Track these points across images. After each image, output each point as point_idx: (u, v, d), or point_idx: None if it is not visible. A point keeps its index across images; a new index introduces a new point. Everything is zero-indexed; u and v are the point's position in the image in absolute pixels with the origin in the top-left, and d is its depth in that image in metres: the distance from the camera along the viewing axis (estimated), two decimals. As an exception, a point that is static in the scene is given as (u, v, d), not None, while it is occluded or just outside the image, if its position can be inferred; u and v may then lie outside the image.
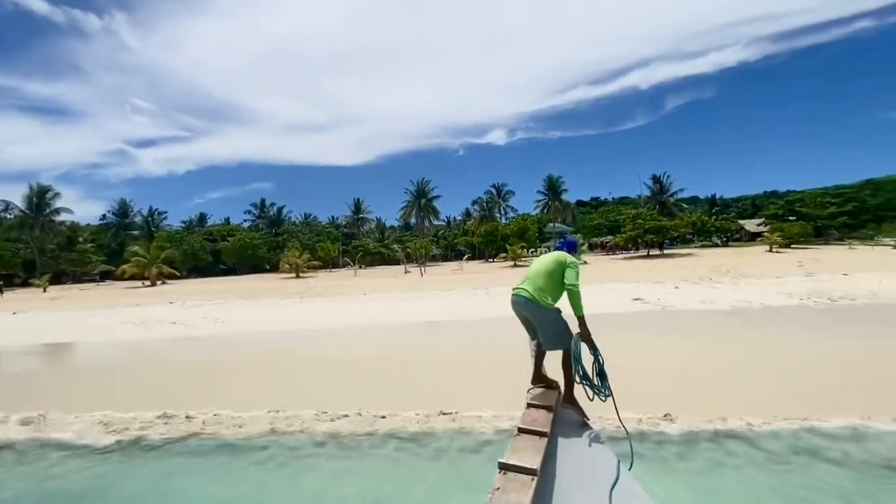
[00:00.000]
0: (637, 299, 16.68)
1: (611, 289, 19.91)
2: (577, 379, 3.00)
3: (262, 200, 70.39)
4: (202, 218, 78.34)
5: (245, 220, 72.08)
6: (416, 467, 4.91)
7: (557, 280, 3.10)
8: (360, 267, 52.51)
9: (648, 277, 23.24)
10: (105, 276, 52.64)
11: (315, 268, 45.89)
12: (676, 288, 18.90)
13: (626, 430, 3.18)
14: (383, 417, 6.04)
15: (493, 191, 67.60)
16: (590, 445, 2.70)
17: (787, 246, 42.19)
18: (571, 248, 3.36)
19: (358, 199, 66.66)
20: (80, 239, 53.58)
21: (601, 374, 3.00)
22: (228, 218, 78.81)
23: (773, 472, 4.44)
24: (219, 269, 58.22)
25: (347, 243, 59.17)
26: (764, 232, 46.76)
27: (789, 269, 22.43)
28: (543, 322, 3.08)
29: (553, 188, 62.39)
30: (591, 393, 2.98)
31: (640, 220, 43.28)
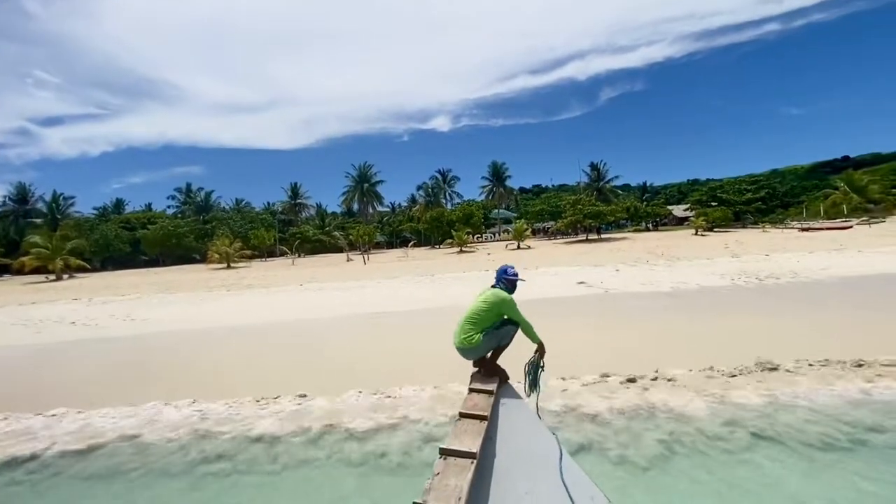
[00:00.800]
0: (581, 283, 16.64)
1: (555, 273, 19.86)
2: (527, 386, 3.42)
3: (188, 185, 64.79)
4: (119, 204, 70.85)
5: (169, 207, 66.11)
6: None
7: (489, 316, 3.40)
8: (299, 255, 49.84)
9: (589, 261, 23.59)
10: (3, 271, 46.03)
11: (248, 257, 42.91)
12: (617, 271, 19.17)
13: (538, 415, 3.25)
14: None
15: (439, 176, 66.83)
16: (529, 427, 2.76)
17: (711, 229, 45.28)
18: (510, 283, 3.66)
19: (295, 184, 63.05)
20: (-34, 228, 46.33)
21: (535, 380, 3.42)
22: (150, 204, 71.98)
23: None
24: (140, 260, 52.90)
25: (285, 231, 55.94)
26: (690, 217, 49.77)
27: (717, 251, 23.64)
28: (478, 353, 3.41)
29: (497, 174, 62.70)
30: (528, 392, 3.36)
31: (579, 206, 44.43)
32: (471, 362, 3.50)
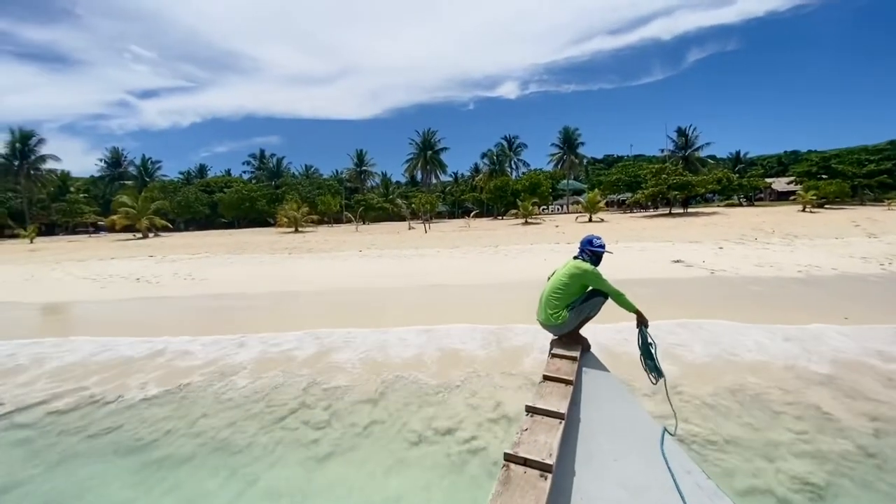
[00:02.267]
0: (678, 261, 14.02)
1: (641, 248, 17.22)
2: (644, 362, 3.14)
3: (262, 151, 66.93)
4: (202, 169, 75.30)
5: (244, 172, 69.05)
6: None
7: (572, 290, 3.19)
8: (363, 222, 49.98)
9: (680, 236, 20.45)
10: (99, 228, 50.69)
11: (315, 222, 43.41)
12: (720, 248, 16.16)
13: (672, 407, 3.18)
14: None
15: (504, 143, 63.46)
16: (616, 397, 2.68)
17: (821, 206, 38.74)
18: (591, 245, 3.34)
19: (361, 151, 62.65)
20: (72, 189, 51.14)
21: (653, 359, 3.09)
22: (229, 170, 75.83)
23: None
24: (219, 222, 55.97)
25: (350, 198, 56.28)
26: (797, 191, 43.00)
27: (845, 230, 19.48)
28: (565, 329, 3.20)
29: (569, 140, 58.20)
30: (651, 375, 3.09)
31: (664, 176, 39.77)
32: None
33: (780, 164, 75.39)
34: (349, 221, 47.04)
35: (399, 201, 53.14)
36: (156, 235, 39.51)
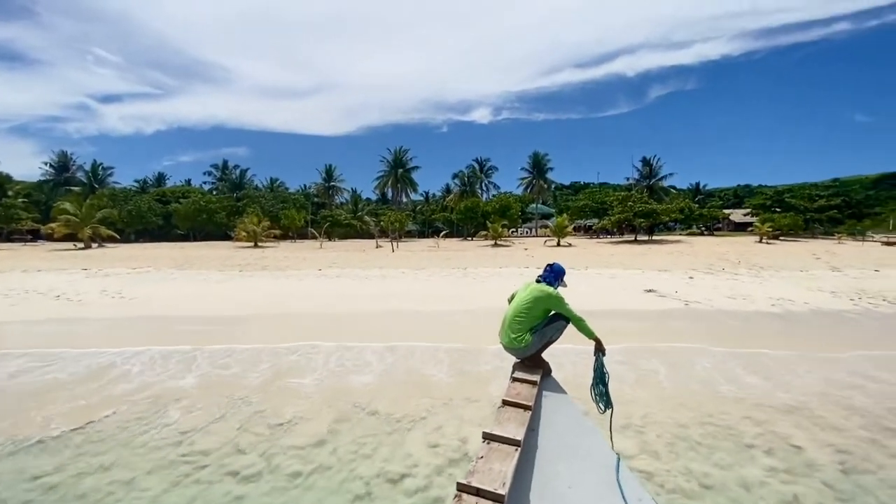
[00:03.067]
0: (650, 291, 13.46)
1: (611, 276, 16.69)
2: (594, 394, 3.17)
3: (225, 162, 64.15)
4: (160, 178, 71.47)
5: (205, 183, 65.93)
6: None
7: (535, 313, 3.22)
8: (329, 239, 48.31)
9: (649, 264, 20.18)
10: (38, 236, 46.64)
11: (277, 238, 41.39)
12: (691, 278, 15.80)
13: (611, 444, 2.77)
14: None
15: (476, 165, 63.56)
16: (573, 422, 2.67)
17: (776, 238, 40.25)
18: (558, 275, 3.47)
19: (330, 166, 60.96)
20: (10, 193, 47.06)
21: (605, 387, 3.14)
22: (189, 180, 72.37)
23: None
24: (175, 234, 52.73)
25: (317, 213, 54.44)
26: (754, 222, 44.64)
27: (807, 262, 19.71)
28: (528, 352, 3.24)
29: (538, 166, 58.83)
30: (599, 405, 3.12)
31: (630, 203, 40.38)
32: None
33: (736, 197, 79.16)
34: (315, 237, 45.25)
35: (367, 218, 51.81)
36: (100, 246, 36.50)
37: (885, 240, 35.55)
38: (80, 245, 35.53)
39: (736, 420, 5.09)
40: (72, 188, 52.01)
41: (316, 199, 61.83)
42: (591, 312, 10.35)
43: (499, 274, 17.67)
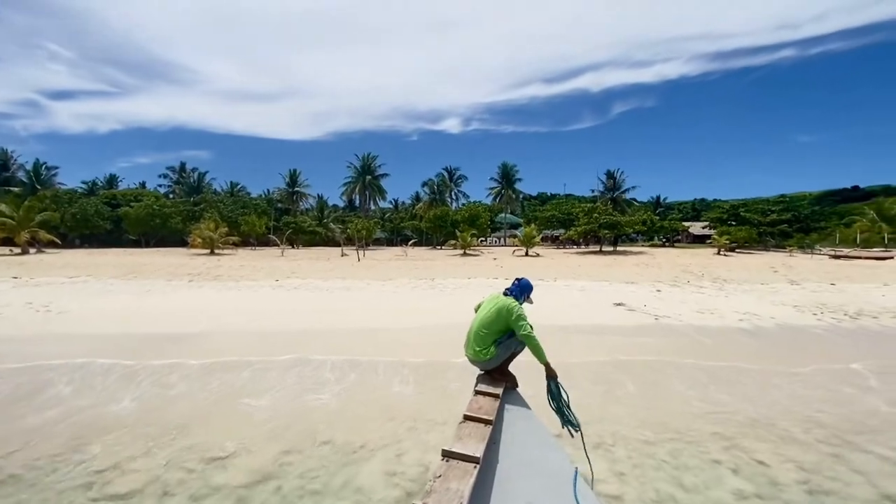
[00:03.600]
0: (620, 304, 13.20)
1: (581, 288, 16.43)
2: (567, 426, 3.08)
3: (182, 164, 60.94)
4: (111, 180, 67.22)
5: (160, 186, 62.54)
6: None
7: (499, 327, 3.19)
8: (293, 246, 46.61)
9: (617, 276, 20.14)
10: (-33, 240, 42.55)
11: (236, 245, 39.38)
12: (658, 291, 15.73)
13: (588, 459, 2.98)
14: None
15: (445, 174, 63.24)
16: (535, 437, 2.65)
17: (732, 250, 41.76)
18: (524, 290, 3.45)
19: (294, 171, 59.03)
20: (-64, 192, 42.86)
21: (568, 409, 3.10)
22: (144, 182, 68.49)
23: None
24: (126, 239, 49.39)
25: (280, 219, 52.46)
26: (712, 235, 46.25)
27: (766, 276, 20.19)
28: (493, 364, 3.22)
29: (507, 176, 59.16)
30: (569, 429, 3.07)
31: (595, 215, 40.96)
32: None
33: (694, 210, 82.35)
34: (277, 245, 43.48)
35: (333, 226, 50.30)
36: (39, 251, 33.56)
37: (832, 253, 37.38)
38: (17, 250, 32.55)
39: (705, 437, 5.05)
40: (10, 189, 47.96)
41: (279, 205, 59.68)
42: (564, 328, 10.07)
43: (467, 286, 17.09)
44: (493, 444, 2.43)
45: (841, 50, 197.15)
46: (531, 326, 3.13)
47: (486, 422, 2.49)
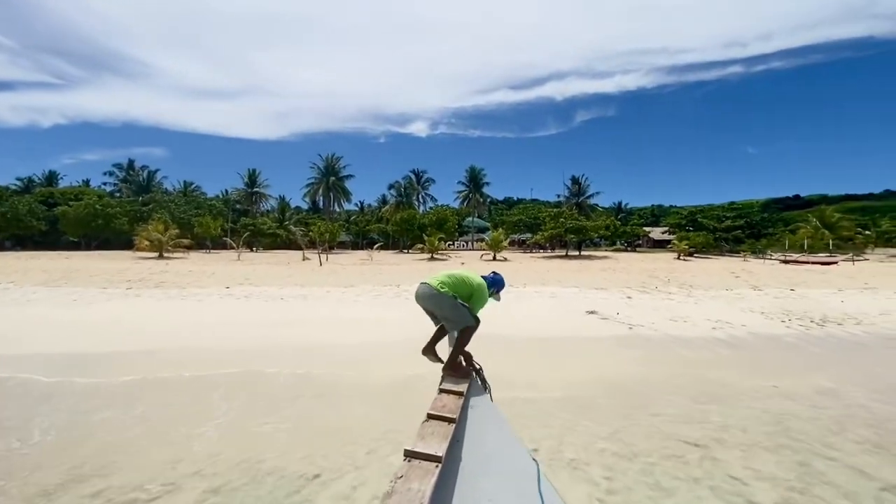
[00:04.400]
0: (592, 312, 12.74)
1: (551, 294, 15.96)
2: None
3: (131, 161, 57.14)
4: (51, 177, 62.04)
5: (106, 184, 58.30)
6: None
7: (465, 290, 3.17)
8: (251, 250, 44.46)
9: (585, 282, 19.87)
10: None
11: (187, 248, 36.95)
12: (629, 298, 15.45)
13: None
14: None
15: (413, 176, 62.39)
16: (497, 433, 2.67)
17: (690, 255, 43.03)
18: (496, 285, 3.50)
19: (253, 171, 56.43)
20: None
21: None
22: (88, 180, 63.65)
23: None
24: (65, 241, 45.40)
25: (238, 221, 49.93)
26: (672, 240, 47.62)
27: (728, 281, 20.47)
28: (444, 306, 3.14)
29: (475, 180, 58.95)
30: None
31: (561, 220, 41.22)
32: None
33: (653, 216, 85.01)
34: (233, 248, 41.25)
35: (294, 228, 48.31)
36: (-44, 254, 30.13)
37: (783, 258, 39.09)
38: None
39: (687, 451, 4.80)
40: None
41: (238, 206, 56.90)
42: (542, 339, 9.41)
43: (434, 292, 16.26)
44: (456, 441, 2.41)
45: (783, 68, 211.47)
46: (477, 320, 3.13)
47: (450, 420, 2.45)
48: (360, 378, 6.95)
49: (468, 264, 30.60)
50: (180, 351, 8.37)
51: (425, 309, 3.30)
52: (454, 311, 3.10)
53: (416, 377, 6.44)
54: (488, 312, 3.47)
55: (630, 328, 11.00)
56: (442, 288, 3.11)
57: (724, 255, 46.41)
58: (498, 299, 3.53)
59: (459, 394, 2.84)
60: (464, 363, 3.18)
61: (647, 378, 7.29)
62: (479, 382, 3.20)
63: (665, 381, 7.13)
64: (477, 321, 3.15)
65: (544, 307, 13.50)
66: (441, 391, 2.92)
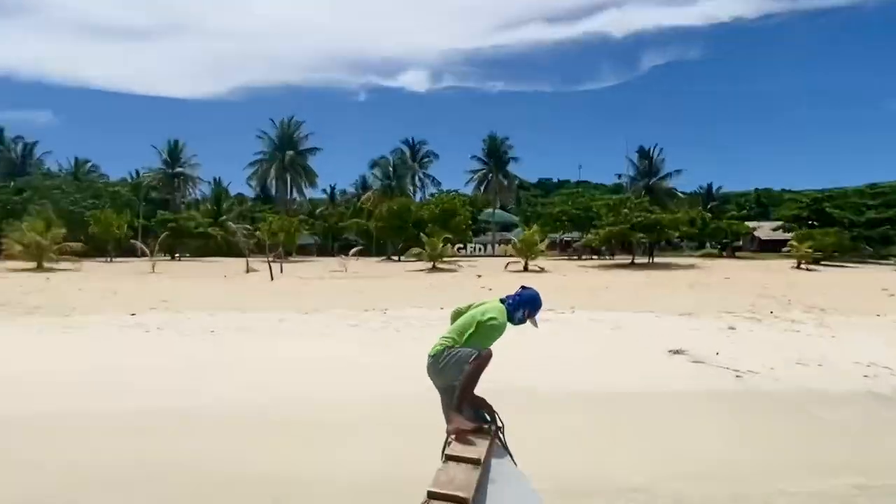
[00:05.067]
0: (677, 352, 12.43)
1: (615, 325, 15.68)
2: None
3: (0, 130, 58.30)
4: None
5: (-34, 164, 59.38)
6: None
7: (466, 326, 3.49)
8: (172, 257, 45.18)
9: (664, 304, 19.62)
10: None
11: (79, 254, 37.68)
12: (731, 329, 15.17)
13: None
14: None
15: (406, 149, 62.89)
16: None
17: (818, 262, 42.35)
18: (525, 304, 3.73)
19: (176, 142, 57.08)
20: None
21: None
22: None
23: None
24: None
25: (153, 216, 50.88)
26: (789, 240, 47.10)
27: (878, 301, 20.21)
28: (447, 374, 3.41)
29: (496, 154, 59.07)
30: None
31: (625, 210, 41.03)
32: None
33: (760, 205, 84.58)
34: (145, 255, 42.01)
35: (233, 226, 49.00)
36: None
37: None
38: None
39: None
40: None
41: (154, 194, 57.70)
42: (592, 396, 9.03)
43: (440, 320, 15.96)
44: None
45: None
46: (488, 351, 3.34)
47: (460, 501, 2.53)
48: (320, 480, 6.40)
49: (487, 277, 30.42)
50: (48, 416, 8.05)
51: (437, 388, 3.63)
52: (457, 369, 3.30)
53: (411, 482, 6.00)
54: (509, 352, 3.74)
55: (738, 376, 10.68)
56: (439, 348, 3.42)
57: (866, 263, 45.89)
58: (535, 325, 3.79)
59: (475, 462, 2.91)
60: (472, 418, 3.35)
61: (772, 464, 6.86)
62: (501, 444, 3.32)
63: (800, 467, 6.69)
64: (487, 350, 3.33)
65: (603, 344, 13.31)
66: (448, 458, 3.00)
